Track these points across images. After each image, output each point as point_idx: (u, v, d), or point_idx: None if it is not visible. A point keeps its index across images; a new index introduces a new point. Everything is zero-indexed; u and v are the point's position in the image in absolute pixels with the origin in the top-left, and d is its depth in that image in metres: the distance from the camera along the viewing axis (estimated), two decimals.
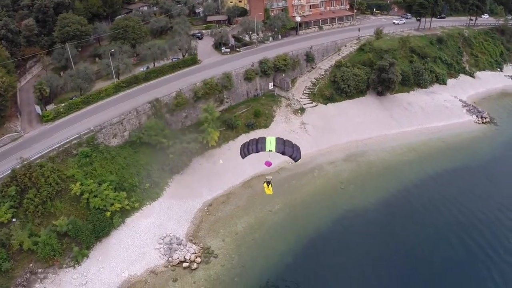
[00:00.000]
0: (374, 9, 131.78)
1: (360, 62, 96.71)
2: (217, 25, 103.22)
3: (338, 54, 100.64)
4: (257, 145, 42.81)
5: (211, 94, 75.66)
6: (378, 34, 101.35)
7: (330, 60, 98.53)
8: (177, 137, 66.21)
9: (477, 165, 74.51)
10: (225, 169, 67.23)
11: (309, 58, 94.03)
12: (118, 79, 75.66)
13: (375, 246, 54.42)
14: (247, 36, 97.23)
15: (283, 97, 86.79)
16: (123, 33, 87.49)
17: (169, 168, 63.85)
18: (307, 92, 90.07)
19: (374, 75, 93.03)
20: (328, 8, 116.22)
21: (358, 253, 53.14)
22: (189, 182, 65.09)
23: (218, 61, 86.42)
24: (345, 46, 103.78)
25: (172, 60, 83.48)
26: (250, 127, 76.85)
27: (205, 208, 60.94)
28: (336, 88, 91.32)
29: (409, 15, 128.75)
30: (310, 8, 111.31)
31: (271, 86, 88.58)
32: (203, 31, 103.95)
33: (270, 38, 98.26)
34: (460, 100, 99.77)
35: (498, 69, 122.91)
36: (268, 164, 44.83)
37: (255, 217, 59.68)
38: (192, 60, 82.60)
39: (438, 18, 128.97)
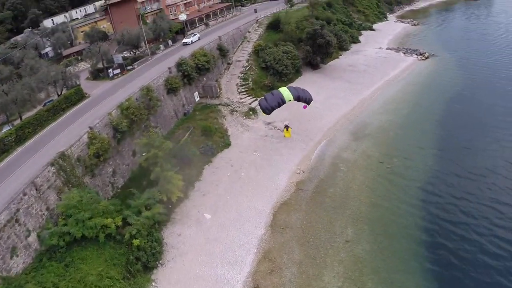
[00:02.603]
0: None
1: (279, 39, 77.99)
2: (79, 58, 72.80)
3: (248, 41, 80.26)
4: (278, 99, 49.13)
5: (138, 123, 46.64)
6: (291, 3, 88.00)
7: (243, 50, 77.51)
8: (120, 209, 35.77)
9: (463, 83, 70.90)
10: (220, 227, 38.73)
11: (223, 52, 71.12)
12: None
13: None
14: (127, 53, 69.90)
15: (218, 105, 61.56)
16: None
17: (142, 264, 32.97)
18: (243, 90, 66.72)
19: (307, 45, 75.13)
20: (201, 5, 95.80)
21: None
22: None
23: (111, 87, 56.92)
24: (249, 32, 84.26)
25: (45, 104, 51.38)
26: (210, 154, 49.63)
27: None
28: (274, 74, 70.18)
29: None
30: (186, 7, 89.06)
31: (197, 97, 62.64)
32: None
33: (161, 46, 72.35)
34: (387, 49, 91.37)
35: (385, 19, 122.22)
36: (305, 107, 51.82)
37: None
38: (77, 94, 51.50)
39: None
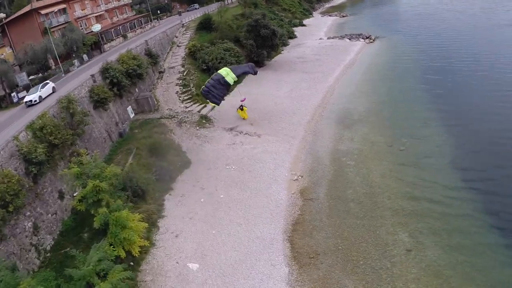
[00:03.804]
0: (159, 12, 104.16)
1: (215, 38, 66.59)
2: None
3: (178, 46, 67.68)
4: (223, 84, 43.78)
5: (62, 149, 31.52)
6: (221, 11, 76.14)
7: (174, 55, 64.74)
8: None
9: (421, 54, 67.50)
10: (218, 279, 24.79)
11: (153, 58, 57.61)
12: None
13: None
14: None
15: (160, 118, 47.74)
16: None
17: None
18: (186, 98, 53.43)
19: (249, 38, 64.34)
20: (114, 18, 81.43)
21: None
22: None
23: (19, 110, 40.53)
24: (176, 36, 71.86)
25: None
26: (168, 178, 35.49)
27: None
28: None
29: (196, 5, 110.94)
30: (98, 20, 73.92)
31: (131, 112, 48.13)
32: None
33: (75, 62, 56.74)
34: (329, 38, 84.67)
35: (311, 16, 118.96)
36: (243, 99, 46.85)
37: None
38: None
39: None
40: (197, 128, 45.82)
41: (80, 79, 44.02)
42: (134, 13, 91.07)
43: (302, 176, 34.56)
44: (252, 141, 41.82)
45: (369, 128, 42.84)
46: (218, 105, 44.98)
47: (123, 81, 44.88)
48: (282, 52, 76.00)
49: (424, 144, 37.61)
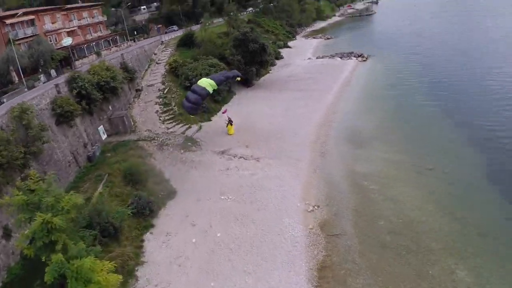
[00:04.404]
0: (135, 33, 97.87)
1: (199, 54, 60.41)
2: None
3: (157, 63, 61.10)
4: (201, 94, 39.38)
5: (9, 171, 23.90)
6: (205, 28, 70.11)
7: (153, 73, 57.98)
8: None
9: (420, 68, 64.72)
10: None
11: (129, 73, 50.59)
12: None
13: None
14: None
15: (138, 140, 40.40)
16: None
17: None
18: (168, 118, 46.35)
19: (237, 54, 58.39)
20: (87, 35, 74.51)
21: None
22: None
23: None
24: (155, 54, 65.43)
25: None
26: (148, 212, 27.82)
27: None
28: None
29: (174, 26, 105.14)
30: (69, 35, 66.76)
31: (103, 133, 40.62)
32: None
33: (41, 77, 49.02)
34: (318, 58, 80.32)
35: (294, 38, 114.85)
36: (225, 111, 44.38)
37: None
38: None
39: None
40: (182, 151, 38.62)
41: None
42: (109, 32, 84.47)
43: (318, 206, 27.65)
44: (249, 165, 34.84)
45: (384, 146, 36.86)
46: (195, 114, 41.87)
47: (94, 93, 37.57)
48: (270, 71, 70.55)
49: (454, 162, 31.98)
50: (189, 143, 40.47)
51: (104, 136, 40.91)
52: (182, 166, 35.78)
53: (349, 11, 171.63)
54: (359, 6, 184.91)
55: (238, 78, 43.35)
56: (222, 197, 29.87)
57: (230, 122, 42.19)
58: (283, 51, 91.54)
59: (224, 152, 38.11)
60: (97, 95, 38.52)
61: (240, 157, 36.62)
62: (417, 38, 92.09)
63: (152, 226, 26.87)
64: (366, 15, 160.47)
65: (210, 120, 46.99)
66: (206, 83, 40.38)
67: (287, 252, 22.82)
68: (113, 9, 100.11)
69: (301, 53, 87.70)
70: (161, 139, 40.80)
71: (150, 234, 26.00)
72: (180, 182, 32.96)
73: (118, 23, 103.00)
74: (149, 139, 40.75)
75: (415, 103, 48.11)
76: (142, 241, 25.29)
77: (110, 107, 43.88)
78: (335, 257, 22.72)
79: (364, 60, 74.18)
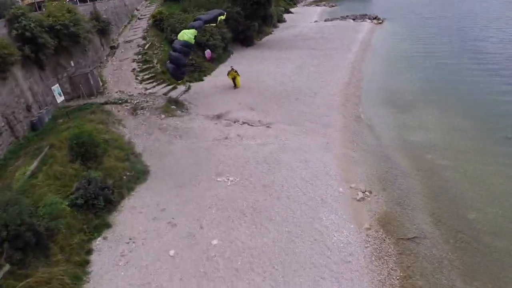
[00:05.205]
0: None
1: (189, 6, 49.63)
2: None
3: (139, 18, 50.29)
4: (182, 51, 28.76)
5: None
6: None
7: (134, 28, 47.14)
8: None
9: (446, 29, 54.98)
10: None
11: (103, 25, 39.52)
12: None
13: None
14: None
15: (104, 104, 29.86)
16: None
17: None
18: (147, 76, 35.68)
19: (236, 5, 47.72)
20: None
21: None
22: None
23: None
24: (138, 9, 54.56)
25: None
26: (101, 205, 17.49)
27: None
28: (196, 48, 40.67)
29: None
30: None
31: (59, 94, 30.04)
32: None
33: None
34: (326, 20, 70.03)
35: (295, 5, 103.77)
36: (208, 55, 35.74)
37: None
38: None
39: None
40: (163, 116, 28.29)
41: None
42: None
43: (370, 192, 17.68)
44: (257, 133, 24.61)
45: (437, 110, 26.93)
46: (181, 78, 30.71)
47: (43, 37, 26.77)
48: (272, 32, 59.92)
49: None
50: (173, 106, 30.14)
51: (60, 99, 30.31)
52: (162, 135, 25.50)
53: None
54: None
55: (222, 17, 32.57)
56: (218, 179, 19.75)
57: (234, 71, 33.41)
58: (285, 16, 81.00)
59: (220, 117, 27.88)
60: (48, 40, 27.69)
61: (244, 123, 26.42)
62: (428, 6, 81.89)
63: (108, 226, 16.74)
64: None
65: (202, 80, 36.66)
66: (185, 35, 29.89)
67: (335, 274, 12.88)
68: None
69: (305, 18, 77.08)
70: (135, 101, 30.41)
71: (103, 240, 15.89)
72: (157, 157, 22.78)
73: None
74: (119, 101, 30.34)
75: (453, 63, 38.17)
76: (89, 252, 15.17)
77: (72, 63, 33.12)
78: (420, 279, 12.91)
79: (380, 23, 63.90)
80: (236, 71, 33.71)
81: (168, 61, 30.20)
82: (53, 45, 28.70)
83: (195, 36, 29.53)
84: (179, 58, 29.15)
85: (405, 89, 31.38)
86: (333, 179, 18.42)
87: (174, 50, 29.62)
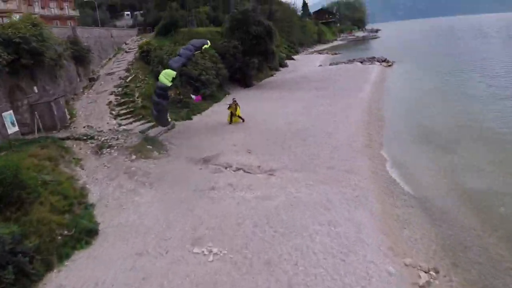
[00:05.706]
0: None
1: (181, 40, 44.93)
2: None
3: (126, 52, 45.57)
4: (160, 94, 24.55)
5: None
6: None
7: (119, 61, 41.99)
8: None
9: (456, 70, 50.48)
10: None
11: (80, 51, 34.15)
12: None
13: None
14: None
15: (65, 139, 23.54)
16: None
17: None
18: (124, 111, 29.64)
19: (234, 39, 43.12)
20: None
21: None
22: None
23: None
24: (126, 43, 50.17)
25: None
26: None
27: None
28: (185, 83, 35.37)
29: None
30: None
31: (11, 123, 23.60)
32: None
33: None
34: (331, 64, 66.59)
35: (296, 53, 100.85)
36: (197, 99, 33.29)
37: None
38: None
39: None
40: (133, 157, 21.84)
41: None
42: None
43: (437, 272, 10.91)
44: (256, 182, 18.05)
45: (486, 149, 20.76)
46: (164, 123, 26.71)
47: None
48: (274, 75, 55.32)
49: None
50: (149, 146, 23.80)
51: (13, 129, 23.77)
52: (127, 181, 18.94)
53: (350, 37, 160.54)
54: (359, 33, 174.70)
55: (206, 46, 27.20)
56: (195, 250, 12.90)
57: (235, 104, 28.87)
58: (287, 62, 77.44)
59: (208, 161, 21.43)
60: (2, 57, 21.95)
61: (238, 169, 19.92)
62: (434, 47, 79.84)
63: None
64: (371, 38, 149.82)
65: (191, 119, 30.68)
66: (162, 77, 24.72)
67: None
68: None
69: (308, 63, 73.29)
70: (103, 138, 24.11)
71: None
72: (114, 210, 16.12)
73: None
74: (84, 137, 24.07)
75: (485, 99, 32.77)
76: None
77: (35, 89, 27.16)
78: None
79: (390, 65, 59.61)
80: (237, 104, 28.29)
81: (153, 106, 25.12)
82: (7, 60, 22.90)
83: (173, 78, 24.26)
84: (159, 103, 24.18)
85: (440, 127, 25.53)
86: (376, 251, 11.66)
87: (155, 93, 24.73)
